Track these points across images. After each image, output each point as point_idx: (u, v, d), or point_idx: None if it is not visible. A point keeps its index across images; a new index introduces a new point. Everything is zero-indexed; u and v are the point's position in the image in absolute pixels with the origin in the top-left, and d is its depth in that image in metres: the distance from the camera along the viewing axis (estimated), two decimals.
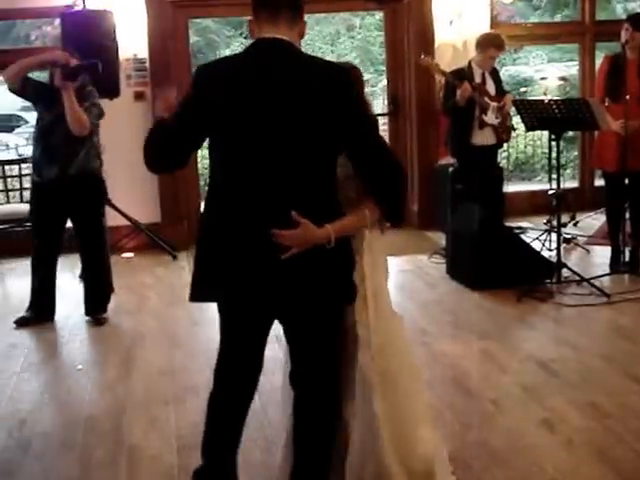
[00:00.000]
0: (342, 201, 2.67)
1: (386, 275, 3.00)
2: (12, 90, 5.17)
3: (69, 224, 5.46)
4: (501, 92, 6.66)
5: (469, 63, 6.59)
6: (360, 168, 2.65)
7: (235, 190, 2.59)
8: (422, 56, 6.59)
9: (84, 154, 5.22)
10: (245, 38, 15.69)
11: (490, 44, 6.49)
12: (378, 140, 2.65)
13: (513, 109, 6.36)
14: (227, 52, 15.90)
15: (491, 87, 6.59)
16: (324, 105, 2.52)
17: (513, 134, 7.02)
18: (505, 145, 7.13)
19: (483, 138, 6.56)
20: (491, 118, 6.53)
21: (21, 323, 5.41)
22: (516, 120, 6.74)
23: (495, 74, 6.73)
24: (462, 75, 6.38)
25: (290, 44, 2.59)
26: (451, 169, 7.24)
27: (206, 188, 2.78)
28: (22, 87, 5.13)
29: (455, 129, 6.63)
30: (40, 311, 5.48)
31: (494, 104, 6.52)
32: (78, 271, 5.89)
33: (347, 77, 2.60)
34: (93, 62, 5.19)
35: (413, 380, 2.95)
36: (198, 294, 2.71)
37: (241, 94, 2.53)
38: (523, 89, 12.56)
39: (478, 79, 6.53)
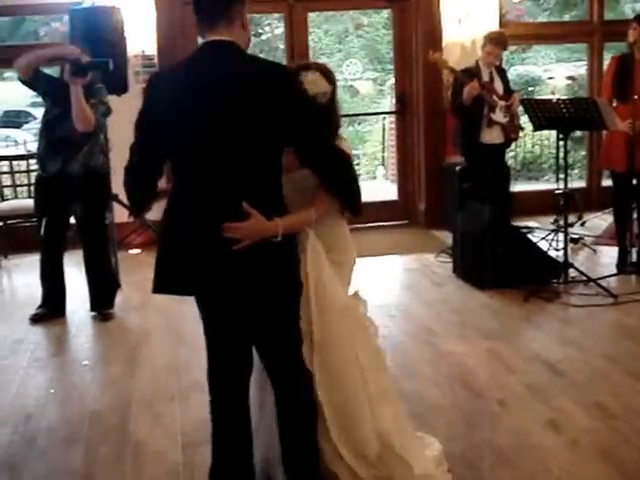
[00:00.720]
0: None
1: (349, 269, 3.06)
2: (22, 80, 5.19)
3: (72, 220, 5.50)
4: (509, 91, 6.66)
5: (476, 62, 6.60)
6: (307, 164, 2.73)
7: (186, 191, 2.68)
8: (431, 52, 6.60)
9: (88, 150, 5.23)
10: (253, 35, 15.70)
11: (486, 39, 6.56)
12: (328, 143, 2.72)
13: (521, 108, 6.35)
14: None
15: (499, 86, 6.60)
16: (264, 103, 2.55)
17: (521, 134, 7.00)
18: (513, 144, 7.11)
19: (491, 136, 6.55)
20: (499, 116, 6.53)
21: (35, 320, 5.43)
22: (524, 119, 6.73)
23: (502, 73, 6.74)
24: (471, 74, 6.38)
25: (232, 45, 2.63)
26: (458, 168, 7.24)
27: None
28: (33, 79, 5.15)
29: (464, 127, 6.62)
30: (52, 307, 5.50)
31: (502, 103, 6.51)
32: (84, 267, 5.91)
33: (287, 76, 2.65)
34: (104, 60, 5.20)
35: (368, 363, 2.97)
36: (159, 287, 2.83)
37: (183, 98, 2.62)
38: (531, 88, 12.54)
39: (486, 78, 6.53)
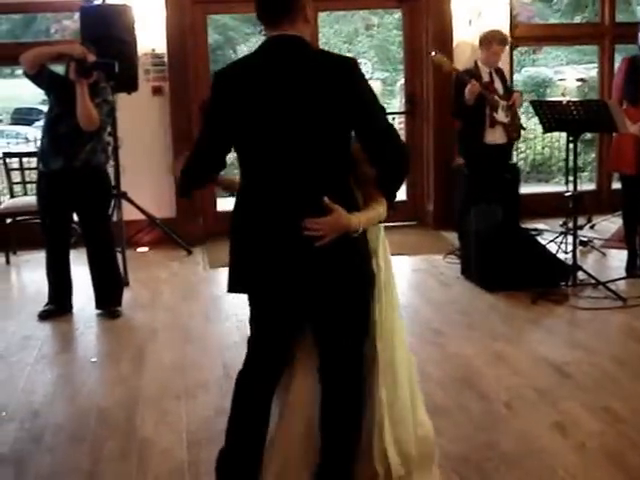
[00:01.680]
0: (360, 178, 2.80)
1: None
2: (27, 75, 5.21)
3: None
4: (508, 91, 6.67)
5: (475, 63, 6.60)
6: (368, 150, 2.74)
7: (260, 187, 2.71)
8: (433, 52, 6.59)
9: (90, 148, 5.24)
10: (264, 35, 15.69)
11: (492, 40, 6.55)
12: (385, 124, 2.74)
13: (524, 108, 6.33)
14: (245, 49, 15.89)
15: (499, 86, 6.61)
16: (333, 94, 2.62)
17: (523, 133, 6.99)
18: (522, 146, 7.11)
19: (494, 137, 6.55)
20: (501, 116, 6.53)
21: (44, 316, 5.45)
22: (534, 121, 6.72)
23: (501, 73, 6.74)
24: (471, 74, 6.39)
25: (297, 38, 2.70)
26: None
27: None
28: (37, 74, 5.17)
29: (467, 128, 6.62)
30: (60, 303, 5.52)
31: (504, 102, 6.52)
32: None
33: (353, 66, 2.70)
34: (110, 62, 5.22)
35: (410, 369, 3.02)
36: (234, 286, 2.84)
37: (255, 94, 2.66)
38: (541, 90, 12.51)
39: (486, 78, 6.54)
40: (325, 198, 2.59)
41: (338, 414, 2.87)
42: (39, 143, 5.65)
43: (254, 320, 2.90)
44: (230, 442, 2.95)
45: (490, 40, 6.55)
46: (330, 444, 2.87)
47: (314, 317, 2.83)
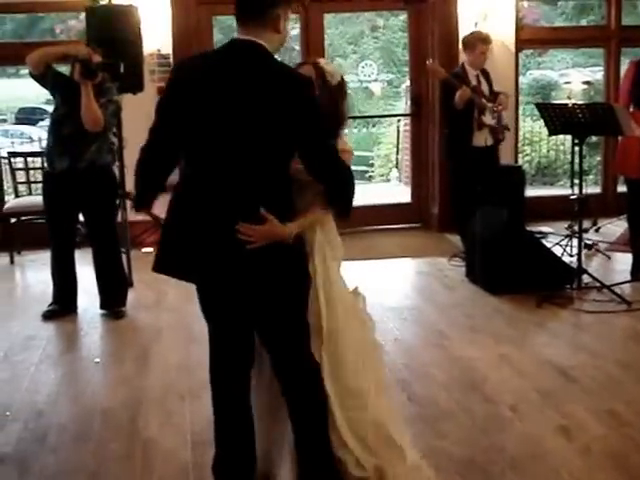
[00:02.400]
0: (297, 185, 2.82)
1: (338, 264, 3.09)
2: (33, 75, 5.21)
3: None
4: (493, 93, 6.69)
5: (462, 66, 6.61)
6: (312, 171, 2.77)
7: (199, 184, 2.75)
8: (429, 61, 6.62)
9: (96, 148, 5.24)
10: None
11: (477, 41, 6.59)
12: (328, 148, 2.76)
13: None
14: None
15: (485, 88, 6.64)
16: (281, 108, 2.64)
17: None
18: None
19: (481, 139, 6.58)
20: (488, 118, 6.55)
21: (48, 316, 5.45)
22: (539, 124, 6.72)
23: (487, 75, 6.75)
24: (459, 79, 6.41)
25: (259, 46, 2.68)
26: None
27: None
28: (43, 74, 5.18)
29: (455, 132, 6.63)
30: (64, 303, 5.52)
31: (490, 105, 6.53)
32: None
33: (307, 86, 2.70)
34: (115, 63, 5.22)
35: (367, 356, 3.06)
36: (159, 266, 2.89)
37: (206, 92, 2.68)
38: (547, 93, 12.50)
39: (474, 81, 6.55)
40: (261, 209, 2.64)
41: (301, 413, 2.93)
42: (44, 143, 5.65)
43: (207, 318, 3.00)
44: (218, 443, 3.01)
45: (474, 42, 6.59)
46: (302, 441, 2.94)
47: (251, 313, 2.86)
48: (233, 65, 2.68)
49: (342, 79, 3.02)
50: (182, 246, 2.78)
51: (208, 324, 2.99)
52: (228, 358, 2.96)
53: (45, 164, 5.51)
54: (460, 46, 7.52)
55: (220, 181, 2.69)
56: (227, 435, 2.99)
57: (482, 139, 6.60)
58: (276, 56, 2.78)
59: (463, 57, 6.81)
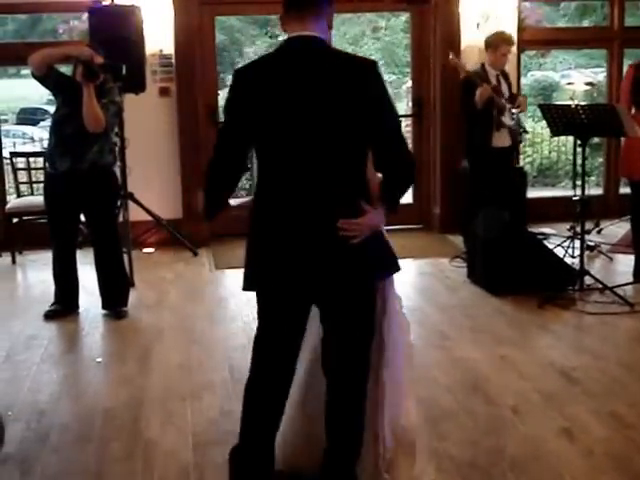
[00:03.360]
0: None
1: None
2: (35, 76, 5.21)
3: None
4: (512, 94, 6.67)
5: (482, 66, 6.60)
6: (377, 152, 2.78)
7: (280, 185, 2.74)
8: (451, 56, 6.59)
9: (97, 148, 5.24)
10: (270, 37, 15.68)
11: (500, 41, 6.57)
12: (398, 129, 2.79)
13: (532, 112, 6.33)
14: (251, 51, 15.89)
15: (505, 89, 6.63)
16: (352, 94, 2.66)
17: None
18: (529, 150, 7.10)
19: (500, 140, 6.56)
20: (507, 119, 6.53)
21: (50, 316, 5.44)
22: (541, 125, 6.71)
23: (506, 77, 6.75)
24: (481, 78, 6.39)
25: (319, 40, 2.72)
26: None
27: None
28: (45, 75, 5.17)
29: (474, 131, 6.61)
30: (66, 303, 5.52)
31: (510, 106, 6.53)
32: None
33: (374, 69, 2.73)
34: (117, 64, 5.21)
35: (406, 357, 3.10)
36: (250, 285, 2.84)
37: (275, 93, 2.69)
38: (549, 94, 12.49)
39: (494, 81, 6.55)
40: (361, 201, 2.70)
41: (343, 408, 2.93)
42: (45, 144, 5.65)
43: (265, 315, 2.90)
44: (246, 441, 2.98)
45: (497, 42, 6.57)
46: (336, 433, 2.93)
47: (325, 306, 2.86)
48: (298, 60, 2.70)
49: None
50: (275, 258, 2.75)
51: (265, 317, 2.91)
52: (278, 361, 2.93)
53: (47, 164, 5.49)
54: (462, 47, 7.54)
55: (299, 180, 2.70)
56: (257, 436, 2.96)
57: (502, 140, 6.58)
58: None
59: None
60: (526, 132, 6.86)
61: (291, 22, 2.74)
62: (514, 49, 7.47)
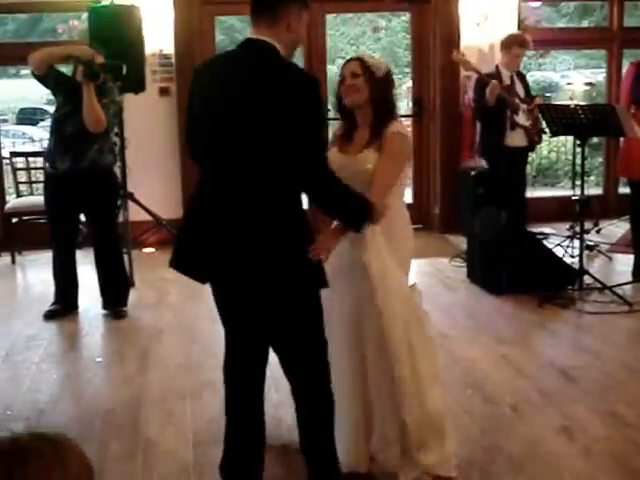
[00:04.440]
0: None
1: (403, 261, 3.21)
2: (35, 75, 5.22)
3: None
4: (529, 95, 6.66)
5: (496, 67, 6.59)
6: (298, 178, 2.74)
7: (210, 184, 2.79)
8: (455, 52, 6.59)
9: (97, 148, 5.24)
10: None
11: (514, 42, 6.56)
12: (317, 154, 2.72)
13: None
14: None
15: (520, 90, 6.60)
16: (286, 108, 2.61)
17: (544, 137, 6.99)
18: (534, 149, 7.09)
19: (515, 139, 6.55)
20: (522, 119, 6.52)
21: (49, 316, 5.44)
22: (543, 124, 6.71)
23: (522, 78, 6.74)
24: (492, 78, 6.39)
25: (269, 45, 2.68)
26: (474, 172, 7.21)
27: None
28: (45, 75, 5.18)
29: (486, 130, 6.61)
30: (66, 303, 5.52)
31: (524, 106, 6.51)
32: None
33: (310, 91, 2.66)
34: (117, 64, 5.22)
35: (428, 347, 3.15)
36: (177, 264, 2.92)
37: (212, 91, 2.74)
38: (548, 94, 12.49)
39: (507, 81, 6.53)
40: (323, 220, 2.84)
41: (309, 409, 2.97)
42: (45, 143, 5.64)
43: (222, 316, 2.99)
44: (228, 442, 3.03)
45: (511, 43, 6.56)
46: (307, 429, 2.99)
47: (263, 313, 2.86)
48: (241, 65, 2.71)
49: (388, 70, 3.12)
50: (197, 246, 2.81)
51: (224, 326, 2.99)
52: (243, 358, 2.96)
53: (46, 164, 5.49)
54: (462, 47, 7.54)
55: (229, 183, 2.71)
56: (238, 434, 2.99)
57: (516, 139, 6.57)
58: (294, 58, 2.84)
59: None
60: (544, 132, 6.84)
61: (252, 25, 2.75)
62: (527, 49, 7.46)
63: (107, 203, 5.47)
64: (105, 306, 5.54)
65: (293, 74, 2.71)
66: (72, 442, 1.33)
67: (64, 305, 5.51)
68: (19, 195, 7.52)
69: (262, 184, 2.66)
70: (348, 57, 3.22)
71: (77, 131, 5.12)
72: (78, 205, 5.38)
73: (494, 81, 6.28)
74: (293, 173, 2.69)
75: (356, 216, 2.89)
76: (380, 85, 3.07)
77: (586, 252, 6.29)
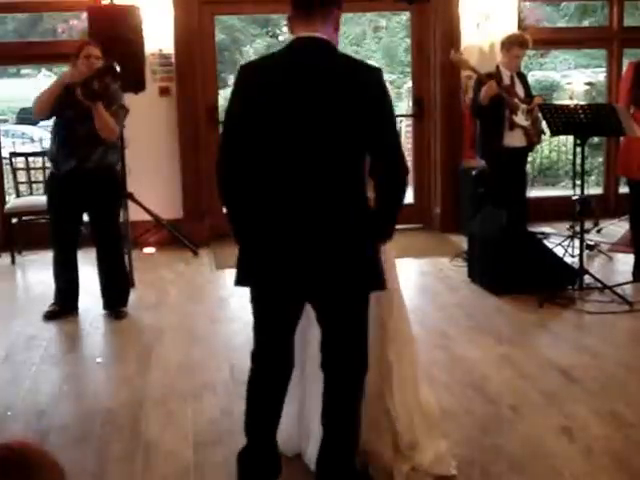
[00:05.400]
0: None
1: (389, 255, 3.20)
2: (44, 119, 5.21)
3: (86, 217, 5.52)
4: (530, 96, 6.65)
5: (497, 67, 6.58)
6: (373, 164, 2.78)
7: (273, 184, 2.74)
8: (453, 52, 6.57)
9: (103, 149, 5.24)
10: (271, 37, 15.70)
11: (513, 43, 6.53)
12: (397, 143, 2.79)
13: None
14: (251, 50, 15.90)
15: (520, 90, 6.59)
16: (356, 102, 2.66)
17: (543, 137, 6.98)
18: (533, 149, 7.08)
19: (513, 140, 6.53)
20: (521, 119, 6.51)
21: (49, 317, 5.42)
22: (543, 124, 6.70)
23: (523, 78, 6.73)
24: (492, 77, 6.38)
25: (325, 42, 2.72)
26: (475, 172, 7.21)
27: None
28: (51, 112, 5.17)
29: (485, 130, 6.60)
30: (65, 304, 5.50)
31: (524, 106, 6.50)
32: None
33: (379, 77, 2.73)
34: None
35: (412, 348, 3.28)
36: (242, 279, 2.87)
37: (278, 91, 2.68)
38: (549, 94, 12.49)
39: (507, 81, 6.51)
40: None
41: (340, 405, 2.95)
42: (45, 143, 5.62)
43: (261, 315, 2.93)
44: (252, 440, 3.02)
45: (510, 44, 6.53)
46: (332, 428, 2.97)
47: (318, 309, 2.89)
48: (303, 61, 2.69)
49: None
50: (267, 255, 2.77)
51: (260, 318, 2.94)
52: (276, 353, 2.97)
53: (49, 165, 5.46)
54: (462, 47, 7.53)
55: (303, 180, 2.69)
56: (261, 428, 3.01)
57: (515, 140, 6.56)
58: None
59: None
60: (544, 133, 6.83)
61: (299, 23, 2.73)
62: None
63: (111, 202, 5.46)
64: (106, 306, 5.53)
65: (365, 66, 2.78)
66: (37, 449, 1.31)
67: (64, 306, 5.49)
68: (19, 195, 7.52)
69: (351, 172, 2.72)
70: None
71: (84, 137, 5.12)
72: (81, 205, 5.36)
73: (491, 82, 6.27)
74: (377, 156, 2.74)
75: (395, 211, 2.89)
76: None
77: (586, 252, 6.29)
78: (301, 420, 3.28)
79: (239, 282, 2.87)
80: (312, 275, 2.74)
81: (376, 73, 2.74)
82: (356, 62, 2.80)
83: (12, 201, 7.47)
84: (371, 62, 3.25)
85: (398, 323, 3.16)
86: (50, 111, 5.16)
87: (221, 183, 2.83)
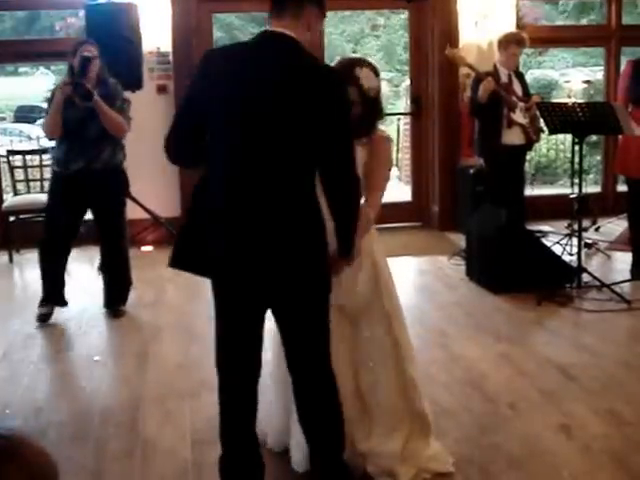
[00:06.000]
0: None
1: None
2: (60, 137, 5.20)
3: (88, 216, 5.48)
4: (527, 94, 6.65)
5: (494, 66, 6.58)
6: (323, 171, 2.72)
7: (220, 178, 2.73)
8: (448, 48, 6.56)
9: (111, 149, 5.23)
10: None
11: (511, 41, 6.53)
12: (349, 150, 2.71)
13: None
14: None
15: (518, 89, 6.59)
16: (307, 103, 2.61)
17: (542, 135, 6.98)
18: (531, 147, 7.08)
19: (512, 137, 6.53)
20: (519, 117, 6.50)
21: (43, 319, 5.36)
22: (540, 123, 6.70)
23: (521, 77, 6.73)
24: (490, 76, 6.37)
25: (291, 39, 2.67)
26: (473, 170, 7.21)
27: None
28: (63, 128, 5.15)
29: (483, 128, 6.60)
30: (54, 300, 5.44)
31: (522, 104, 6.50)
32: (96, 263, 5.91)
33: (338, 83, 2.71)
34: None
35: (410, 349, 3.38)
36: (177, 263, 2.89)
37: (231, 82, 2.66)
38: (547, 92, 12.50)
39: (505, 80, 6.51)
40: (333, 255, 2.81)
41: (313, 406, 2.92)
42: (42, 142, 5.59)
43: (221, 313, 2.86)
44: (228, 446, 2.94)
45: (508, 42, 6.53)
46: (313, 431, 2.94)
47: (277, 305, 2.83)
48: (265, 55, 2.66)
49: (379, 89, 3.17)
50: (210, 242, 2.75)
51: (219, 319, 2.87)
52: (240, 353, 2.88)
53: (49, 163, 5.43)
54: (461, 45, 7.53)
55: (235, 175, 2.66)
56: (236, 433, 2.93)
57: (513, 137, 6.55)
58: None
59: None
60: (542, 131, 6.82)
61: (272, 18, 2.72)
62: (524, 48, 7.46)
63: (117, 201, 5.44)
64: (106, 305, 5.51)
65: (326, 69, 2.80)
66: (27, 440, 1.30)
67: (53, 303, 5.42)
68: (16, 193, 7.51)
69: (294, 172, 2.66)
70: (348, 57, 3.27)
71: (93, 137, 5.12)
72: (86, 204, 5.34)
73: (489, 78, 6.27)
74: (324, 164, 2.69)
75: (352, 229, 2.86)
76: (371, 102, 3.10)
77: (584, 250, 6.30)
78: (290, 415, 3.24)
79: (173, 264, 2.88)
80: (262, 272, 2.69)
81: (335, 78, 2.71)
82: (318, 65, 2.77)
83: (10, 199, 7.46)
84: (370, 60, 3.26)
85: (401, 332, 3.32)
86: (62, 129, 5.15)
87: (169, 160, 2.97)
